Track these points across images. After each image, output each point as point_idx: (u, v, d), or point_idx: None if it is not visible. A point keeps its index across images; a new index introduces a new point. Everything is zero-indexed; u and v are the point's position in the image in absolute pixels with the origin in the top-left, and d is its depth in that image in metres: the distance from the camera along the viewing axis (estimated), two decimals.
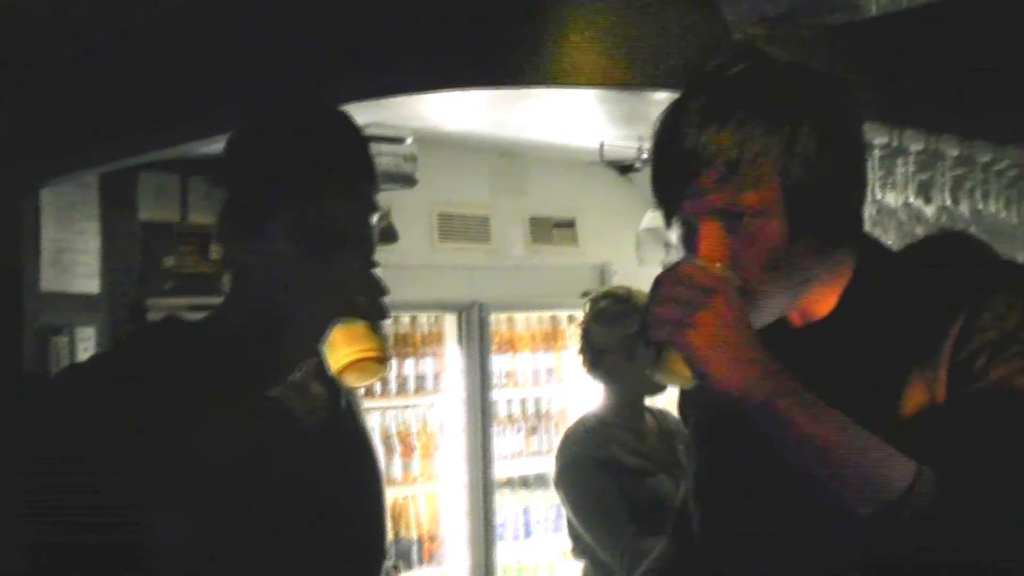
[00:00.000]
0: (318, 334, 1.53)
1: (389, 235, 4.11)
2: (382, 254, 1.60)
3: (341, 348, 1.52)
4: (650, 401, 3.26)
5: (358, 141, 1.63)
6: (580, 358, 3.27)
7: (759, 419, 1.28)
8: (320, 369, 1.70)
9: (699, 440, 1.69)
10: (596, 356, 3.22)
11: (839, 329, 1.42)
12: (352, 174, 1.60)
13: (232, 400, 1.55)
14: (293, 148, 1.57)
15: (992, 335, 1.29)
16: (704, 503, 1.63)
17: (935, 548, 1.23)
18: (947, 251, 1.52)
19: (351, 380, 1.56)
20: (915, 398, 1.32)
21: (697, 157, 1.35)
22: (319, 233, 1.53)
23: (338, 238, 1.54)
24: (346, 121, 1.63)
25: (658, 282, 1.34)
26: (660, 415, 3.25)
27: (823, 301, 1.43)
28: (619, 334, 3.17)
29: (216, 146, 3.46)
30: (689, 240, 1.40)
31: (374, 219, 1.59)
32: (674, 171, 1.39)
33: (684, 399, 1.79)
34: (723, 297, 1.28)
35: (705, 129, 1.35)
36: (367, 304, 1.55)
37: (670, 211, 1.43)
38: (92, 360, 1.69)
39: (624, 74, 2.62)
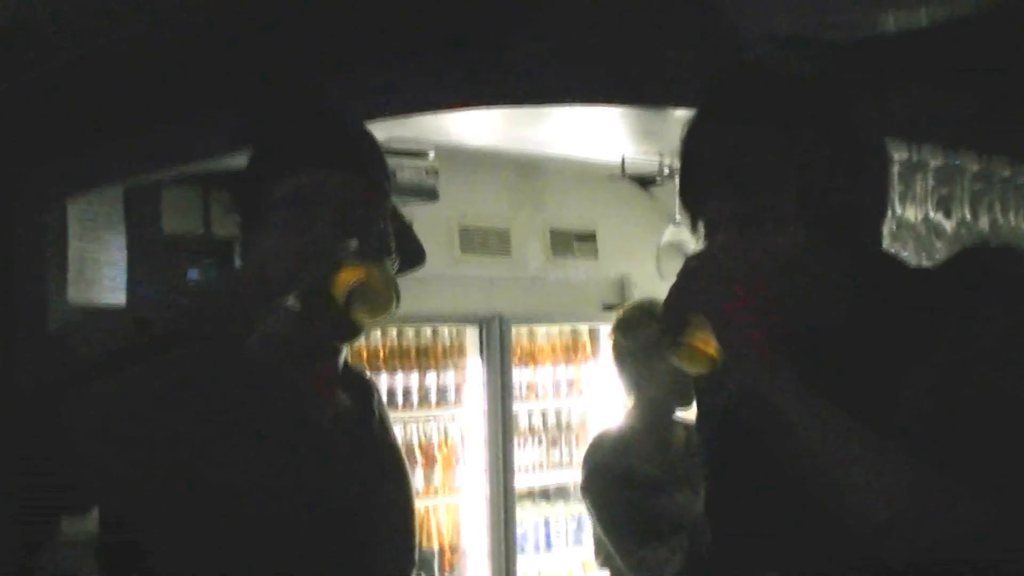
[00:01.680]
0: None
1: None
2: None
3: (340, 286, 1.60)
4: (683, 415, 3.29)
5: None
6: (613, 367, 3.34)
7: (780, 403, 1.30)
8: (346, 379, 1.73)
9: (712, 442, 1.71)
10: (620, 363, 3.28)
11: (850, 340, 1.43)
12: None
13: (261, 414, 1.58)
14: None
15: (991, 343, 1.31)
16: (716, 505, 1.64)
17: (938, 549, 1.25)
18: (964, 264, 1.53)
19: (361, 315, 1.61)
20: (923, 406, 1.33)
21: (720, 162, 1.40)
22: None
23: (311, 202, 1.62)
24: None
25: (689, 263, 1.39)
26: (693, 428, 3.27)
27: (835, 311, 1.44)
28: (638, 340, 3.23)
29: (237, 160, 3.50)
30: None
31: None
32: (698, 176, 1.44)
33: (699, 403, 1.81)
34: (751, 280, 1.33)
35: (728, 136, 1.41)
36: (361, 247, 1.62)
37: (695, 217, 1.46)
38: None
39: (643, 91, 2.65)
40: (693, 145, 1.46)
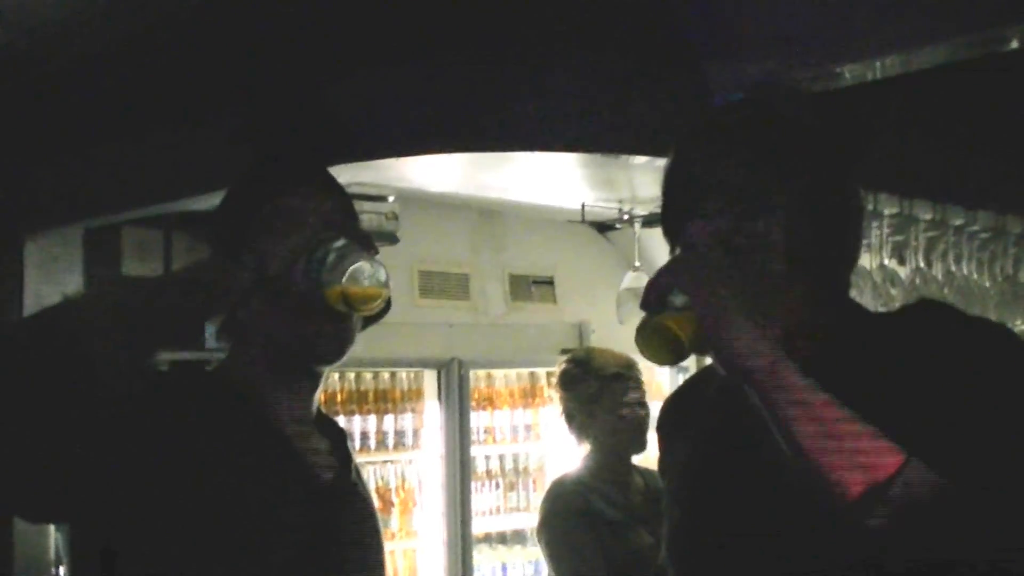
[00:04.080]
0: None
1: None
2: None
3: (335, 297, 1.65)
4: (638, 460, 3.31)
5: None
6: (560, 419, 3.35)
7: (757, 388, 1.32)
8: (321, 424, 1.75)
9: (675, 449, 1.73)
10: (566, 418, 3.32)
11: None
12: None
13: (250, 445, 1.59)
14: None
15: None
16: (679, 550, 1.65)
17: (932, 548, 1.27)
18: (926, 313, 1.56)
19: (356, 297, 1.66)
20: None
21: (701, 186, 1.46)
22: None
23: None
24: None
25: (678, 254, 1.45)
26: (648, 475, 3.29)
27: (797, 350, 1.44)
28: (578, 396, 3.27)
29: (200, 203, 3.50)
30: None
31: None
32: (680, 199, 1.48)
33: (665, 415, 1.83)
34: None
35: (710, 161, 1.47)
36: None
37: (675, 242, 1.49)
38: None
39: (605, 139, 2.67)
40: (675, 169, 1.52)
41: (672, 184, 1.52)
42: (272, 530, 1.57)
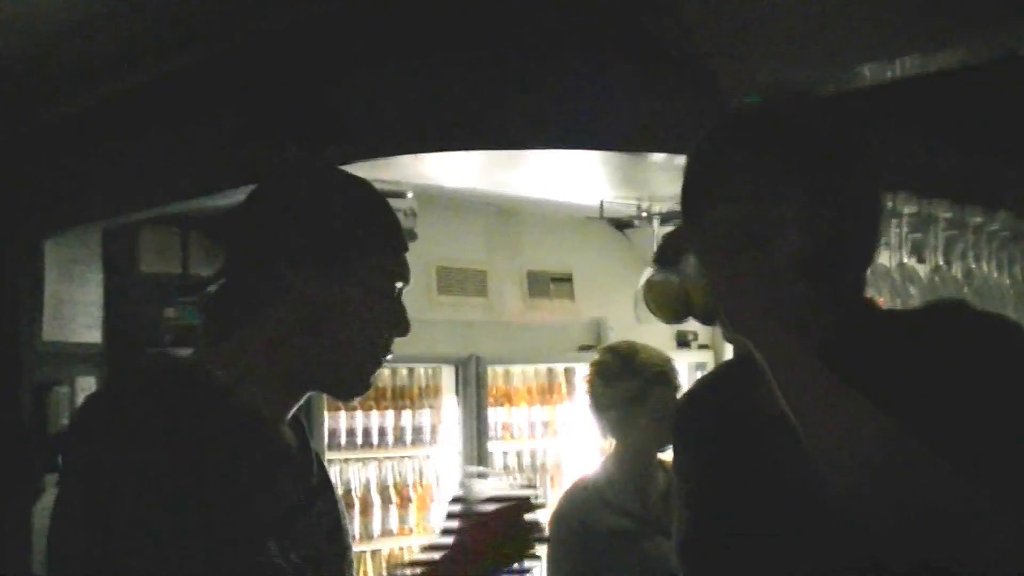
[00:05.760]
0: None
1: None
2: None
3: None
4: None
5: (379, 204, 1.71)
6: (589, 410, 3.28)
7: (768, 355, 1.34)
8: (298, 437, 1.73)
9: (690, 452, 1.73)
10: (599, 410, 3.22)
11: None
12: (374, 244, 1.67)
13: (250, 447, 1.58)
14: (306, 213, 1.64)
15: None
16: (700, 514, 1.65)
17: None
18: (942, 312, 1.55)
19: None
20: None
21: (725, 169, 1.46)
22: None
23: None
24: (363, 185, 1.71)
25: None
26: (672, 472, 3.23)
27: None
28: (619, 392, 3.16)
29: (216, 202, 3.51)
30: None
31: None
32: (703, 181, 1.49)
33: (680, 415, 1.83)
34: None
35: (736, 148, 1.47)
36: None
37: (693, 228, 1.51)
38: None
39: (624, 136, 2.68)
40: (702, 151, 1.53)
41: (697, 165, 1.52)
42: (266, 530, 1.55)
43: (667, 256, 1.40)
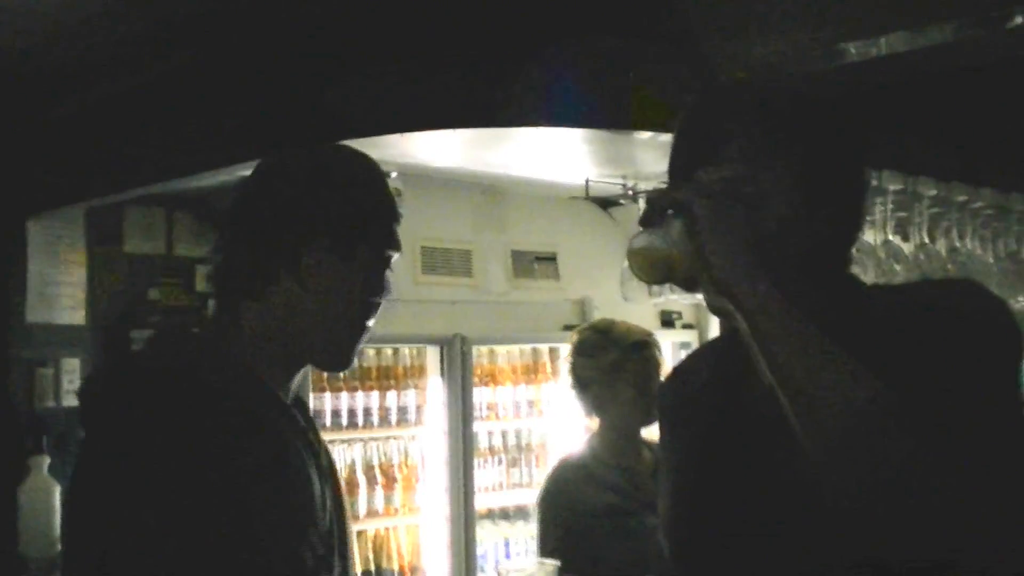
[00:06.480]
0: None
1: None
2: None
3: None
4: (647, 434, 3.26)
5: (381, 176, 1.73)
6: (571, 391, 3.30)
7: (752, 315, 1.33)
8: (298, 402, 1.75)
9: (676, 429, 1.73)
10: (580, 387, 3.24)
11: None
12: (381, 219, 1.69)
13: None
14: (326, 194, 1.65)
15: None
16: (681, 494, 1.65)
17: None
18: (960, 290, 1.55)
19: None
20: None
21: (715, 135, 1.47)
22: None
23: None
24: (368, 164, 1.73)
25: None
26: (656, 448, 3.25)
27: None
28: (599, 364, 3.19)
29: (202, 182, 3.50)
30: None
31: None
32: (693, 145, 1.50)
33: (665, 393, 1.83)
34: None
35: (722, 116, 1.49)
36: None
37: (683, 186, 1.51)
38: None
39: (610, 116, 2.67)
40: (693, 115, 1.53)
41: (689, 126, 1.52)
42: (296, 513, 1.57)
43: (652, 216, 1.40)
